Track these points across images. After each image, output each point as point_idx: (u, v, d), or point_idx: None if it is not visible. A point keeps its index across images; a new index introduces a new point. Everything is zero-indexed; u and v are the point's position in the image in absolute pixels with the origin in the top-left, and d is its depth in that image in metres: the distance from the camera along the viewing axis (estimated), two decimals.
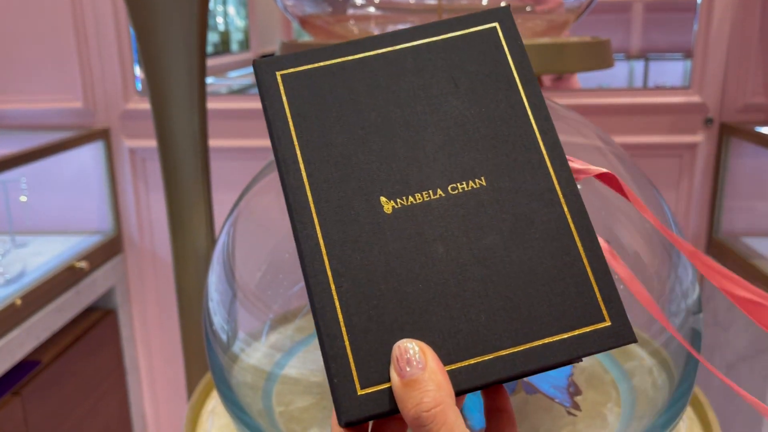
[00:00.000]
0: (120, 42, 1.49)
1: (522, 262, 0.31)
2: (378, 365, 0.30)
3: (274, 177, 0.77)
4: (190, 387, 0.99)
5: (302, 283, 0.75)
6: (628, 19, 1.79)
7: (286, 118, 0.34)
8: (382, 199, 0.32)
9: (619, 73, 1.79)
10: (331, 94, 0.34)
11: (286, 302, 0.75)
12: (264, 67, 0.35)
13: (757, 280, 1.31)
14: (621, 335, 0.30)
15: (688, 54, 1.52)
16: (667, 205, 0.72)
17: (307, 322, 0.76)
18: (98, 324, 1.51)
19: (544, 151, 0.33)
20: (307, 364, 0.73)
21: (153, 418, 1.73)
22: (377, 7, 0.85)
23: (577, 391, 0.63)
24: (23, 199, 1.48)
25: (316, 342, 0.75)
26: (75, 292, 1.39)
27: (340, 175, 0.33)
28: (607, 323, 0.31)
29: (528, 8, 0.86)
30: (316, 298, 0.31)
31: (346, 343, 0.30)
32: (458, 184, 0.33)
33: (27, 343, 1.24)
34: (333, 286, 0.31)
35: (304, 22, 0.85)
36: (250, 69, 2.10)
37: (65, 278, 1.36)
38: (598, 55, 0.75)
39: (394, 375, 0.29)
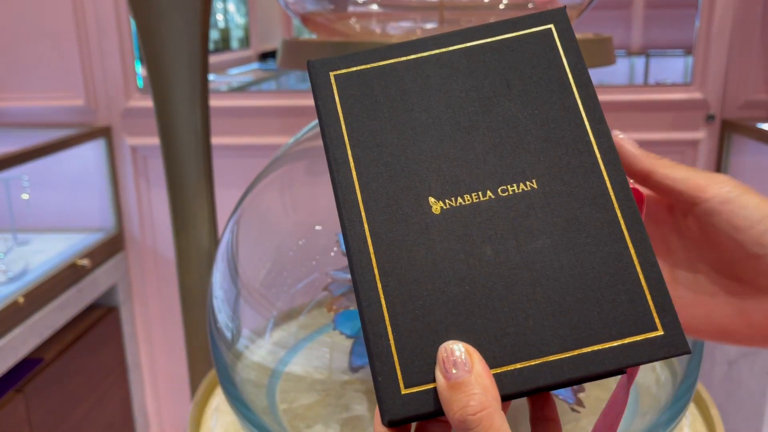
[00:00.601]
0: (121, 39, 1.49)
1: (572, 267, 0.31)
2: (423, 365, 0.29)
3: (277, 175, 0.77)
4: (194, 384, 1.00)
5: (305, 281, 0.75)
6: (628, 15, 1.79)
7: (338, 118, 0.34)
8: (431, 199, 0.32)
9: (620, 69, 1.79)
10: (382, 95, 0.35)
11: (290, 299, 0.75)
12: (318, 67, 0.36)
13: None
14: (674, 345, 0.29)
15: (689, 50, 1.52)
16: None
17: (311, 319, 0.76)
18: (100, 321, 1.51)
19: (598, 155, 0.33)
20: (311, 361, 0.73)
21: (155, 414, 1.73)
22: (379, 4, 0.85)
23: (581, 388, 0.63)
24: (25, 196, 1.49)
25: (319, 339, 0.76)
26: (77, 289, 1.40)
27: (390, 174, 0.33)
28: (660, 332, 0.30)
29: (530, 5, 0.86)
30: (363, 295, 0.31)
31: (391, 341, 0.30)
32: (508, 186, 0.32)
33: (29, 340, 1.24)
34: (379, 285, 0.31)
35: (306, 19, 0.85)
36: (250, 66, 2.10)
37: (67, 276, 1.36)
38: (600, 53, 0.75)
39: (439, 376, 0.29)
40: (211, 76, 1.81)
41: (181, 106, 0.91)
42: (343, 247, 0.69)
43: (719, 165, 1.49)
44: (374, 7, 0.85)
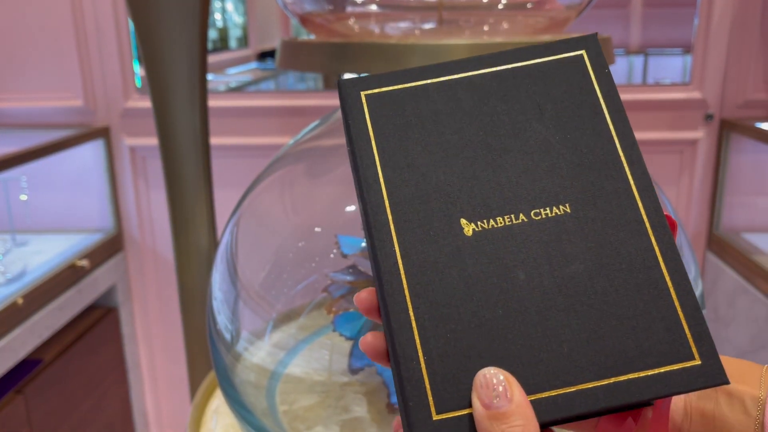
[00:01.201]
0: (120, 39, 1.49)
1: (607, 294, 0.30)
2: (454, 391, 0.29)
3: (277, 176, 0.77)
4: (193, 385, 1.00)
5: (305, 282, 0.75)
6: (627, 14, 1.79)
7: (369, 138, 0.34)
8: (463, 221, 0.32)
9: (618, 68, 1.79)
10: (414, 116, 0.35)
11: (289, 301, 0.75)
12: (349, 86, 0.36)
13: (758, 276, 1.31)
14: (711, 376, 0.29)
15: (688, 49, 1.52)
16: (668, 201, 0.73)
17: (310, 320, 0.76)
18: (100, 322, 1.51)
19: (631, 181, 0.32)
20: (310, 362, 0.73)
21: (155, 415, 1.73)
22: (377, 4, 0.85)
23: None
24: (24, 197, 1.48)
25: (319, 340, 0.76)
26: (76, 290, 1.40)
27: (421, 195, 0.33)
28: (697, 362, 0.29)
29: (529, 5, 0.86)
30: (393, 318, 0.30)
31: (423, 366, 0.29)
32: (541, 210, 0.32)
33: (29, 341, 1.24)
34: (410, 308, 0.30)
35: (304, 20, 0.85)
36: (249, 66, 2.10)
37: (66, 277, 1.36)
38: None
39: (477, 404, 0.28)
40: (209, 76, 1.81)
41: (180, 106, 0.91)
42: (343, 248, 0.69)
43: (718, 164, 1.50)
44: (373, 7, 0.85)
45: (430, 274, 0.31)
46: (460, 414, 0.28)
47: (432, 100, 0.35)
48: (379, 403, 0.67)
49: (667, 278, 0.31)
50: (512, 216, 0.32)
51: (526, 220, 0.32)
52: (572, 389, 0.29)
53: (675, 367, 0.29)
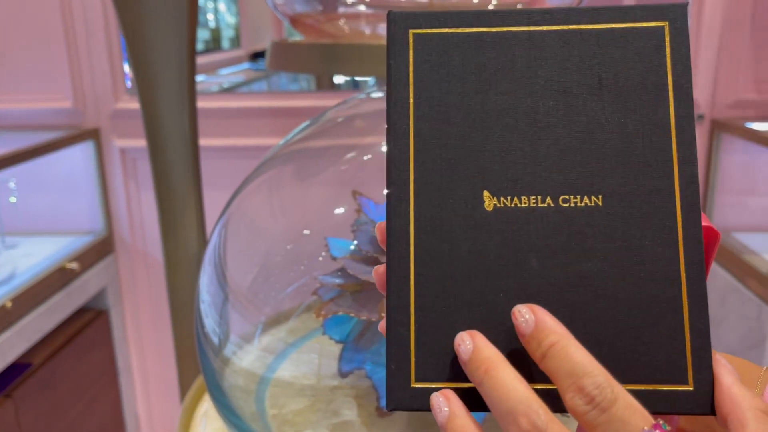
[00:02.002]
0: (109, 41, 1.48)
1: (617, 299, 0.29)
2: (438, 363, 0.29)
3: (266, 178, 0.76)
4: (183, 388, 0.99)
5: (294, 285, 0.75)
6: None
7: (408, 84, 0.31)
8: (486, 193, 0.30)
9: None
10: (460, 67, 0.31)
11: (278, 304, 0.75)
12: (398, 21, 0.32)
13: (749, 275, 1.32)
14: (700, 404, 0.28)
15: None
16: None
17: (300, 323, 0.76)
18: (90, 325, 1.50)
19: (676, 183, 0.29)
20: (299, 366, 0.72)
21: (146, 418, 1.72)
22: (368, 5, 0.84)
23: None
24: (13, 200, 1.47)
25: (308, 344, 0.75)
26: (66, 293, 1.39)
27: (449, 157, 0.30)
28: (689, 388, 0.28)
29: (519, 5, 0.86)
30: (393, 280, 0.30)
31: (412, 333, 0.29)
32: (571, 197, 0.30)
33: (18, 345, 1.23)
34: (413, 273, 0.30)
35: (295, 20, 0.85)
36: (241, 67, 2.09)
37: (56, 279, 1.35)
38: None
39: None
40: (201, 77, 1.80)
41: (168, 108, 0.90)
42: (333, 251, 0.69)
43: (709, 164, 1.50)
44: (363, 8, 0.84)
45: (439, 244, 0.30)
46: (438, 386, 0.29)
47: (484, 53, 0.31)
48: (369, 407, 0.66)
49: (684, 296, 0.29)
50: (539, 198, 0.30)
51: (552, 205, 0.30)
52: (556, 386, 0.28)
53: (666, 388, 0.28)
